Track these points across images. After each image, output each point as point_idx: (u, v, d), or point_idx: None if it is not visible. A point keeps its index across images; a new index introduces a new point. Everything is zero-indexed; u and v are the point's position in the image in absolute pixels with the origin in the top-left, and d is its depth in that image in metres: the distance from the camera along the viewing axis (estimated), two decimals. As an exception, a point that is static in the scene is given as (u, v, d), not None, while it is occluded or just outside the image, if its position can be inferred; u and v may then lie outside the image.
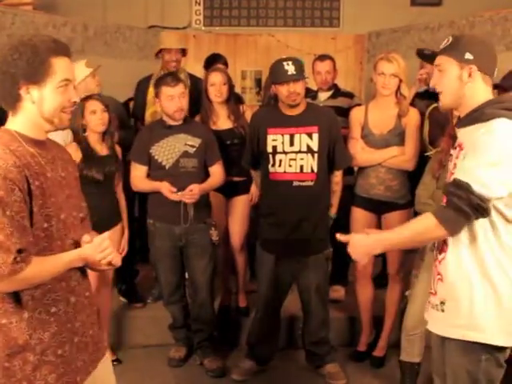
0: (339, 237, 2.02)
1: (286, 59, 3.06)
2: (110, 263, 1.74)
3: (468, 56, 1.86)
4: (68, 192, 1.74)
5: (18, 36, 1.69)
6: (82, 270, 1.80)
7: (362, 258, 2.03)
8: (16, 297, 1.62)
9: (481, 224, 1.80)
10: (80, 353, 1.76)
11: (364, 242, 1.99)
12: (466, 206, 1.73)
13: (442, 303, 1.91)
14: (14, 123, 1.68)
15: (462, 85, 1.88)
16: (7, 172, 1.53)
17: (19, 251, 1.55)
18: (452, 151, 1.97)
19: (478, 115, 1.83)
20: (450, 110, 2.06)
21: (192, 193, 3.13)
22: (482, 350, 1.84)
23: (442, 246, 1.94)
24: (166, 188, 3.16)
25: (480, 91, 1.88)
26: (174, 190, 3.15)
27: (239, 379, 3.37)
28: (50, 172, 1.67)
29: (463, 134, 1.89)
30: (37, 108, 1.65)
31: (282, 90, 3.04)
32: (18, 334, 1.62)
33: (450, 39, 1.93)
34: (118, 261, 1.77)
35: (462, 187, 1.74)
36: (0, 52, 1.63)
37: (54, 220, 1.66)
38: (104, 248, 1.70)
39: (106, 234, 1.75)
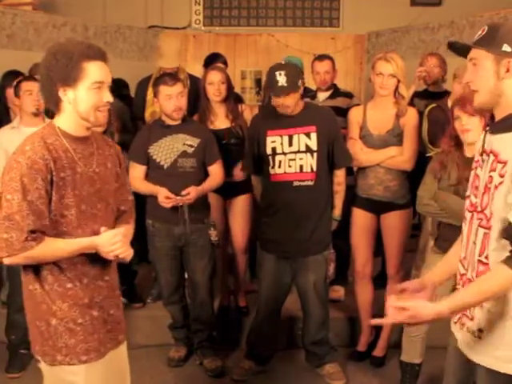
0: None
1: (280, 68, 2.98)
2: (117, 256, 1.93)
3: (506, 48, 1.64)
4: (99, 186, 1.93)
5: (57, 43, 1.89)
6: (104, 261, 1.97)
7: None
8: (36, 270, 1.87)
9: None
10: (100, 326, 1.97)
11: (429, 311, 1.67)
12: None
13: (480, 331, 1.76)
14: (59, 120, 1.88)
15: (500, 81, 1.66)
16: (34, 163, 1.75)
17: (33, 232, 1.76)
18: (480, 157, 1.78)
19: None
20: (486, 109, 1.79)
21: (188, 197, 3.13)
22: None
23: (477, 268, 1.75)
24: (162, 195, 3.13)
25: None
26: (172, 195, 3.12)
27: (239, 379, 3.37)
28: (82, 167, 1.88)
29: (499, 140, 1.69)
30: (73, 107, 1.84)
31: (274, 100, 3.04)
32: (42, 300, 1.89)
33: (486, 29, 1.69)
34: (126, 256, 1.97)
35: None
36: (44, 59, 1.84)
37: (75, 210, 1.85)
38: (114, 242, 1.89)
39: (121, 229, 1.95)
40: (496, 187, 1.66)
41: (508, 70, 1.65)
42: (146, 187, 3.27)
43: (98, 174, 1.93)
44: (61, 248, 1.84)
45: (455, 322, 1.90)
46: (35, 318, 1.92)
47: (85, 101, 1.83)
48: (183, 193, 3.12)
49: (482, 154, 1.76)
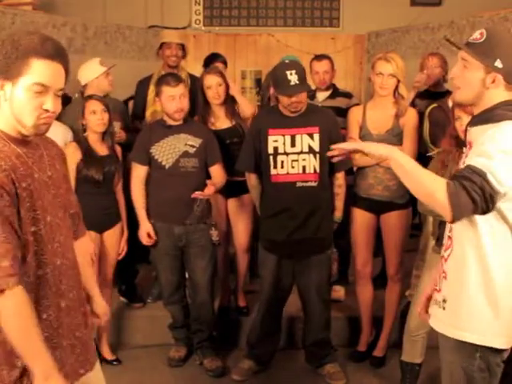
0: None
1: (289, 67, 3.01)
2: None
3: (498, 64, 1.74)
4: (54, 192, 1.68)
5: (14, 32, 1.64)
6: (73, 268, 1.75)
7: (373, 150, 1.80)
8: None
9: (484, 225, 1.76)
10: (68, 356, 1.72)
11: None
12: (478, 196, 1.60)
13: (444, 301, 1.89)
14: None
15: (483, 89, 1.78)
16: None
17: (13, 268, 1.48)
18: (464, 149, 1.93)
19: (490, 116, 1.77)
20: (464, 104, 1.97)
21: (207, 193, 3.20)
22: (476, 349, 1.82)
23: (447, 242, 1.91)
24: (144, 230, 3.27)
25: (499, 97, 1.78)
26: (153, 235, 3.27)
27: (239, 379, 3.36)
28: (38, 172, 1.62)
29: (473, 132, 1.83)
30: (9, 106, 1.56)
31: (285, 100, 3.04)
32: (5, 340, 1.55)
33: (484, 36, 1.76)
34: None
35: (477, 173, 1.61)
36: None
37: (42, 223, 1.60)
38: None
39: None
40: None
41: (494, 81, 1.76)
42: (138, 203, 3.32)
43: (51, 178, 1.67)
44: (33, 324, 1.51)
45: (430, 307, 2.01)
46: None
47: (20, 102, 1.53)
48: (206, 189, 3.19)
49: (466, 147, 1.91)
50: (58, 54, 1.57)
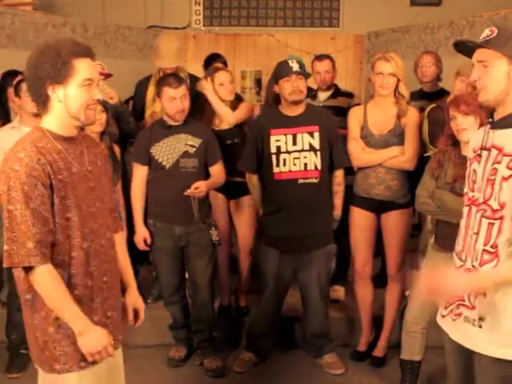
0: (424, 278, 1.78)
1: (291, 58, 3.24)
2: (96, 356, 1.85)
3: None
4: (93, 184, 1.91)
5: (44, 41, 1.87)
6: (105, 254, 1.95)
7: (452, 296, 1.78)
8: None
9: None
10: None
11: (464, 282, 1.77)
12: None
13: (481, 319, 1.78)
14: (46, 122, 1.85)
15: (510, 82, 1.72)
16: (32, 170, 1.73)
17: (40, 245, 1.72)
18: (474, 153, 1.83)
19: None
20: (489, 107, 1.83)
21: (199, 190, 3.15)
22: None
23: (481, 257, 1.78)
24: (140, 236, 3.30)
25: None
26: (149, 242, 3.30)
27: (240, 371, 3.42)
28: (77, 166, 1.86)
29: (501, 135, 1.75)
30: (63, 106, 1.81)
31: (286, 86, 3.12)
32: (40, 307, 1.83)
33: (496, 31, 1.72)
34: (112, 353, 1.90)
35: None
36: (30, 57, 1.81)
37: (76, 210, 1.83)
38: (99, 350, 1.83)
39: (113, 350, 1.89)
40: (505, 179, 1.71)
41: None
42: (136, 207, 3.32)
43: (92, 173, 1.91)
44: (61, 293, 1.79)
45: (443, 316, 1.92)
46: (32, 328, 1.88)
47: (75, 99, 1.80)
48: (192, 187, 3.13)
49: (480, 150, 1.82)
50: (89, 51, 1.85)
